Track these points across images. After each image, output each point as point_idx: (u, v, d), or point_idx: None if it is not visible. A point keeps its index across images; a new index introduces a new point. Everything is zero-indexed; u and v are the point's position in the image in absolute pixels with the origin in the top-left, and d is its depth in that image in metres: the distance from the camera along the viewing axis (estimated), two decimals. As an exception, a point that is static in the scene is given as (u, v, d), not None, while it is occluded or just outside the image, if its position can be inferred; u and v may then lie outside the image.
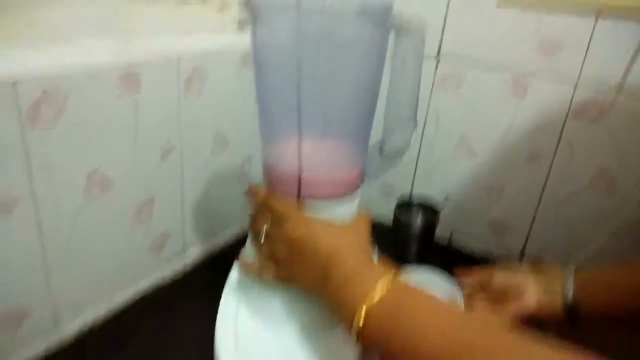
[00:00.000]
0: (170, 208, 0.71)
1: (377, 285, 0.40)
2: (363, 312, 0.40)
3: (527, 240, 0.83)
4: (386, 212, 0.83)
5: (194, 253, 0.78)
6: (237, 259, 0.55)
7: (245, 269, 0.53)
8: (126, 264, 0.67)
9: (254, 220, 0.52)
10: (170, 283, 0.74)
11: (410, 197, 0.84)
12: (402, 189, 0.90)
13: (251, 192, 0.53)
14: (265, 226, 0.50)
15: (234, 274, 0.57)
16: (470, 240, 0.88)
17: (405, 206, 0.83)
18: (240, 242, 0.62)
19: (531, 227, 0.82)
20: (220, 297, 0.55)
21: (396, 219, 0.81)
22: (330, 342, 0.50)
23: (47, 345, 0.60)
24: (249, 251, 0.54)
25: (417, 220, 0.82)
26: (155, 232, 0.70)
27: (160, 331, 0.65)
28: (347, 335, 0.41)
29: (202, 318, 0.66)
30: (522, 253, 0.85)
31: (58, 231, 0.57)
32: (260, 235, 0.50)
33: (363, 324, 0.40)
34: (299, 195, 0.50)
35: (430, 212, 0.81)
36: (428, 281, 0.66)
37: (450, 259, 0.86)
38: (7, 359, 0.56)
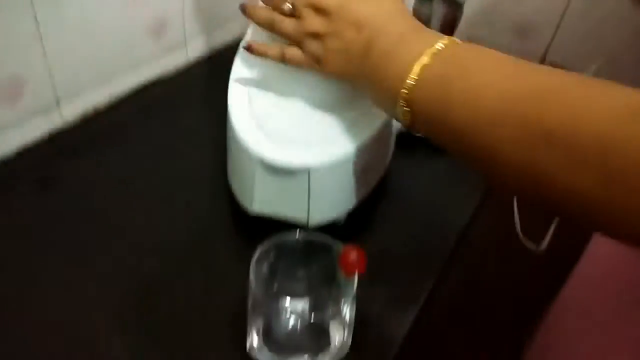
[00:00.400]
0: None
1: (431, 45, 0.35)
2: (417, 67, 0.34)
3: (549, 45, 0.79)
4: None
5: (196, 47, 0.72)
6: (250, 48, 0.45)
7: (263, 53, 0.44)
8: (124, 47, 0.61)
9: None
10: (173, 76, 0.69)
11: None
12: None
13: None
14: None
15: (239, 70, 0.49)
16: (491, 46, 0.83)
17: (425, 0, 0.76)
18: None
19: (557, 30, 0.76)
20: (224, 93, 0.48)
21: (415, 14, 0.74)
22: (352, 115, 0.47)
23: (50, 127, 0.57)
24: (256, 36, 0.46)
25: (437, 15, 0.76)
26: (152, 14, 0.63)
27: (162, 122, 0.62)
28: (392, 109, 0.37)
29: (205, 111, 0.64)
30: (543, 59, 0.80)
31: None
32: (283, 9, 0.42)
33: (415, 85, 0.34)
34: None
35: (453, 5, 0.75)
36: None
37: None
38: (10, 133, 0.54)
